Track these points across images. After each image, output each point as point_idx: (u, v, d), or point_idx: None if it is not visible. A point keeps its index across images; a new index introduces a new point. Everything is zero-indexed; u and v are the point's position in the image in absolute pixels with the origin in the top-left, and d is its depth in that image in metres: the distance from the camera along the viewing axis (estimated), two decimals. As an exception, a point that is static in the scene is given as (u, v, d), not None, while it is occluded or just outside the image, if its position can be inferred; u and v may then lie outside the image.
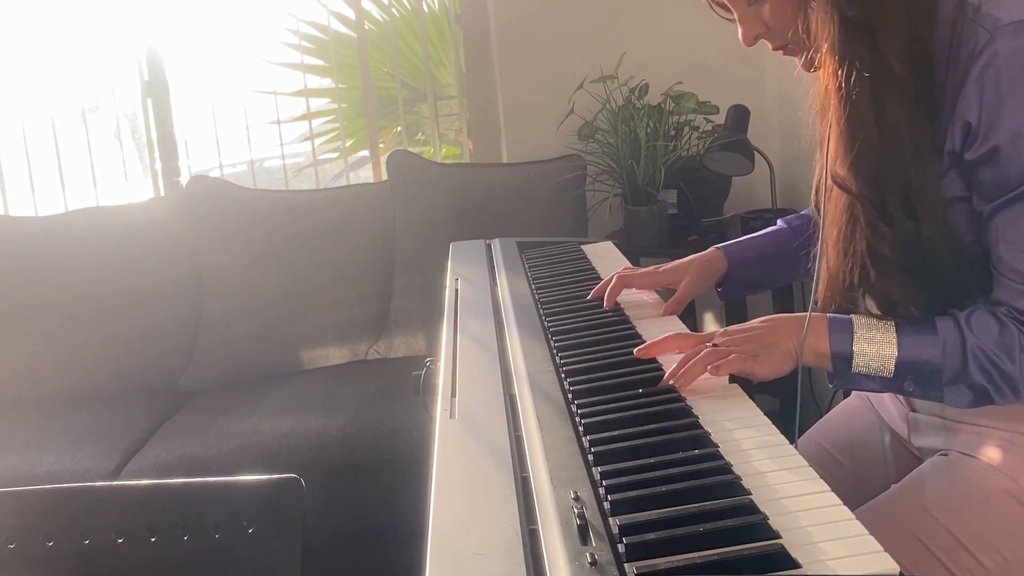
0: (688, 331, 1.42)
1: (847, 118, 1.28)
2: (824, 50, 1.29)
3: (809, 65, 1.40)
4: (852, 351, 1.28)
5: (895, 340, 1.27)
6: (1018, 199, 1.21)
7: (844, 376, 1.30)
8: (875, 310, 1.35)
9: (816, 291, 1.43)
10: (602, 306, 1.66)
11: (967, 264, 1.30)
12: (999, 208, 1.23)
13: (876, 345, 1.27)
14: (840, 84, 1.27)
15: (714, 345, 1.32)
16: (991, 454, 1.37)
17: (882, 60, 1.25)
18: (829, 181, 1.36)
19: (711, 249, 1.81)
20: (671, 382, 1.27)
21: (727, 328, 1.35)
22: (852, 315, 1.31)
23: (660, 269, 1.76)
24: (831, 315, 1.33)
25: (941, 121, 1.26)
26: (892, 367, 1.27)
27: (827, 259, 1.38)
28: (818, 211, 1.51)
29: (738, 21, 1.43)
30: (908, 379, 1.28)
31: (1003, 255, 1.24)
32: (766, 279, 1.84)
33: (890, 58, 1.25)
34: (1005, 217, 1.23)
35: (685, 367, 1.28)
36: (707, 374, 1.28)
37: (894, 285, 1.30)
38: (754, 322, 1.36)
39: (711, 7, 1.47)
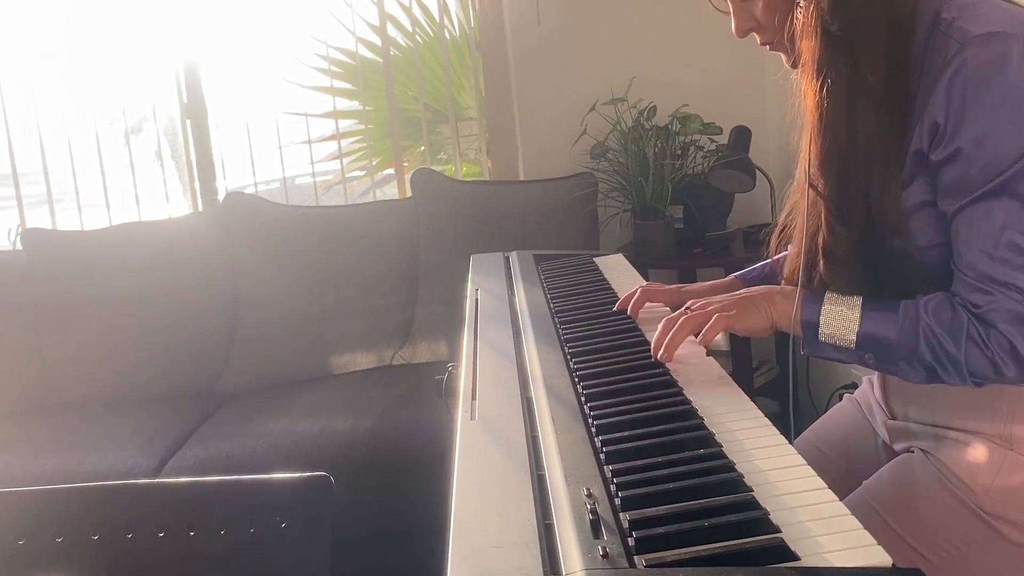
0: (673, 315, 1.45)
1: (820, 123, 1.31)
2: (805, 58, 1.31)
3: (793, 62, 1.42)
4: (819, 320, 1.33)
5: (859, 315, 1.30)
6: (978, 200, 1.22)
7: (812, 343, 1.35)
8: None
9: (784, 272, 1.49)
10: (613, 314, 1.65)
11: (915, 271, 1.32)
12: (961, 208, 1.24)
13: (840, 317, 1.32)
14: (816, 91, 1.29)
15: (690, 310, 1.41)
16: (943, 453, 1.39)
17: (858, 73, 1.26)
18: (802, 179, 1.39)
19: (730, 277, 1.81)
20: (658, 355, 1.36)
21: (702, 300, 1.45)
22: (827, 291, 1.35)
23: (682, 289, 1.74)
24: (810, 289, 1.37)
25: (910, 127, 1.27)
26: (853, 339, 1.31)
27: (794, 246, 1.44)
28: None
29: (732, 14, 1.44)
30: (868, 352, 1.31)
31: (962, 252, 1.25)
32: None
33: (866, 72, 1.26)
34: (965, 217, 1.24)
35: (668, 335, 1.37)
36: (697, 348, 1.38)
37: (839, 280, 1.34)
38: (732, 293, 1.45)
39: (709, 1, 1.48)
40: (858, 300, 1.32)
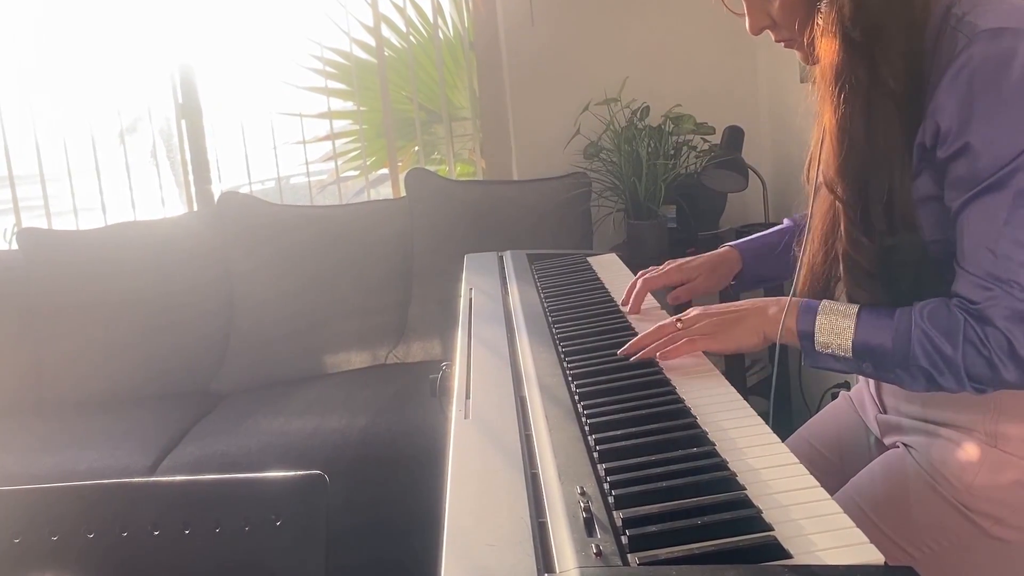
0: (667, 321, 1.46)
1: (839, 129, 1.28)
2: (823, 64, 1.28)
3: (809, 60, 1.39)
4: (814, 330, 1.31)
5: (853, 324, 1.29)
6: (983, 192, 1.19)
7: (812, 354, 1.33)
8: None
9: (797, 279, 1.44)
10: (607, 314, 1.65)
11: (927, 270, 1.29)
12: (967, 202, 1.21)
13: (835, 328, 1.30)
14: (834, 96, 1.27)
15: (678, 326, 1.41)
16: (931, 450, 1.38)
17: (879, 78, 1.24)
18: (818, 180, 1.36)
19: (725, 247, 1.82)
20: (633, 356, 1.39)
21: (698, 311, 1.43)
22: (823, 300, 1.34)
23: (680, 266, 1.78)
24: (805, 299, 1.36)
25: (919, 121, 1.25)
26: (850, 348, 1.29)
27: (811, 251, 1.42)
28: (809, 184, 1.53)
29: (746, 12, 1.41)
30: (866, 361, 1.29)
31: (966, 248, 1.22)
32: (776, 272, 1.81)
33: (887, 76, 1.24)
34: (971, 211, 1.21)
35: (646, 349, 1.39)
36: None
37: (860, 291, 1.32)
38: (729, 304, 1.44)
39: (722, 2, 1.44)
40: (854, 308, 1.30)
